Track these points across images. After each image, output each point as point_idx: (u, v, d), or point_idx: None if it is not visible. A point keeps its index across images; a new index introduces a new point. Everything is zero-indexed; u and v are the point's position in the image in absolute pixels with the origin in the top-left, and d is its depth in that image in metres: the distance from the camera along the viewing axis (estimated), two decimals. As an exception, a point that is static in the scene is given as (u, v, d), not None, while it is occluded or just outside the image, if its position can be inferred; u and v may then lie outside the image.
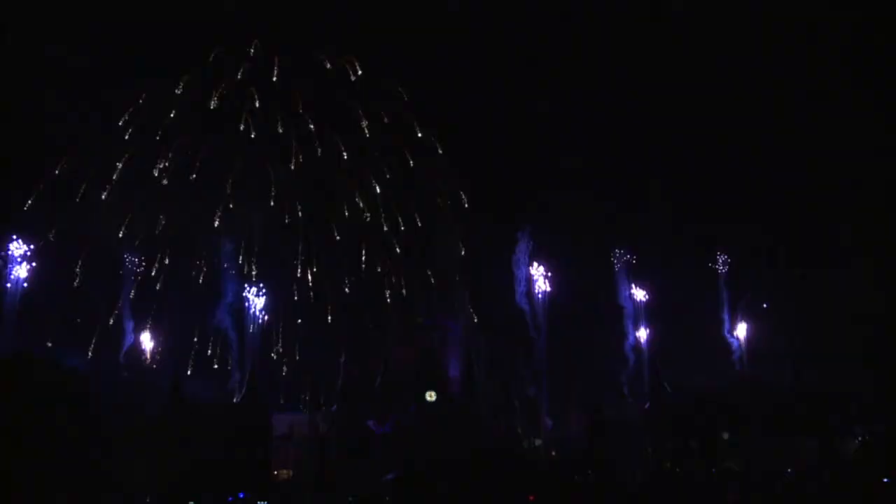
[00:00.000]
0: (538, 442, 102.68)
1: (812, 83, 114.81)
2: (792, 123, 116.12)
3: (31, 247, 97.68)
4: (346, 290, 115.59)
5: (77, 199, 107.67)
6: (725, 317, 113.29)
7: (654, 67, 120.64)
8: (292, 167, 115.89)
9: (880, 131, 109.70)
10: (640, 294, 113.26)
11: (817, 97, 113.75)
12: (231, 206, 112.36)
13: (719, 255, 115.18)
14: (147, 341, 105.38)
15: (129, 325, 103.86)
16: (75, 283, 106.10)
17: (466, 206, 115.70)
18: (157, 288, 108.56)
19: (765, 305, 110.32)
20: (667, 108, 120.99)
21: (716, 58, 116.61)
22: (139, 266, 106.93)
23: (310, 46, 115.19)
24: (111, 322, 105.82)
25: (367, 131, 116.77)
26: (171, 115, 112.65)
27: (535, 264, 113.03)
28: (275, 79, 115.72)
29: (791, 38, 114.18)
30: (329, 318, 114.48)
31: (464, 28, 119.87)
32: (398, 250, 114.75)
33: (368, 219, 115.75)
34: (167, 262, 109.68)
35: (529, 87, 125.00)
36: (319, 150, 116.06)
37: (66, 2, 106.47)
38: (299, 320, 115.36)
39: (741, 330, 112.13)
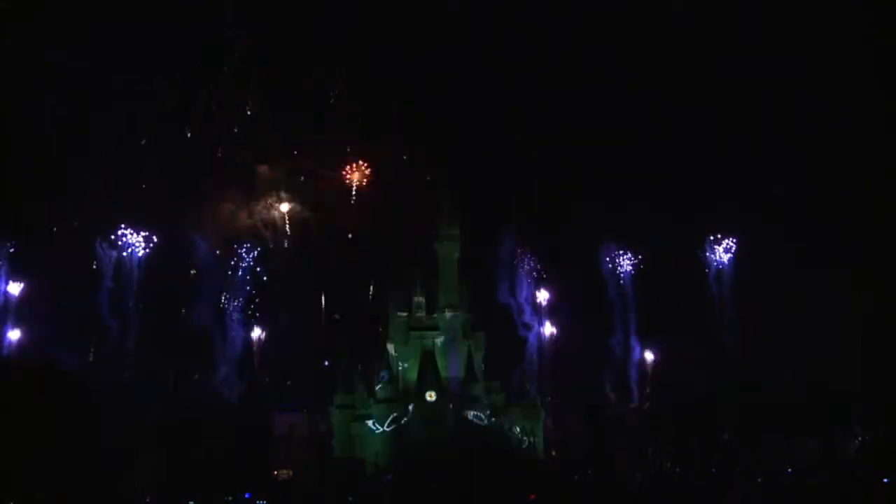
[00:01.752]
0: (539, 442, 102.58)
1: (811, 82, 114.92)
2: (791, 121, 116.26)
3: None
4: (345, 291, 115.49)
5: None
6: (724, 315, 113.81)
7: (653, 64, 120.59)
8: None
9: (880, 129, 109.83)
10: (636, 293, 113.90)
11: (817, 94, 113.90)
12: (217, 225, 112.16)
13: (716, 252, 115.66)
14: (145, 341, 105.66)
15: (129, 324, 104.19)
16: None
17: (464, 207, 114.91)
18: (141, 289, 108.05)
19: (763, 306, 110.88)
20: (666, 104, 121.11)
21: (715, 53, 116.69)
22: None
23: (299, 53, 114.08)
24: (109, 322, 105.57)
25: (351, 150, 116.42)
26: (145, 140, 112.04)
27: (530, 262, 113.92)
28: (249, 111, 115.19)
29: (793, 33, 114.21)
30: (327, 317, 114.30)
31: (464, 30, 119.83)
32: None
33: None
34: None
35: (526, 86, 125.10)
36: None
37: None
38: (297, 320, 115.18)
39: (738, 329, 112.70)
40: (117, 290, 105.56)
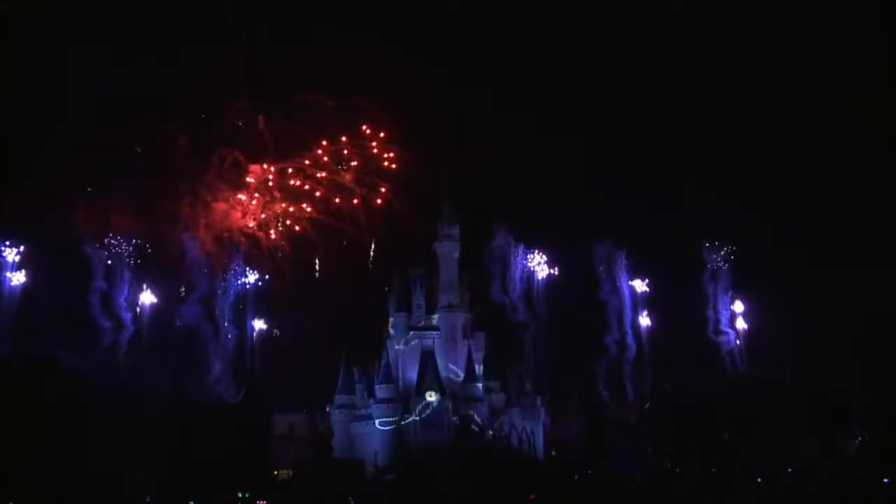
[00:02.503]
0: (539, 442, 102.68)
1: (813, 79, 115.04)
2: (793, 120, 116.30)
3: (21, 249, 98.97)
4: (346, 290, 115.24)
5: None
6: (723, 315, 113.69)
7: (653, 61, 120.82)
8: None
9: (882, 128, 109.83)
10: (638, 288, 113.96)
11: (819, 93, 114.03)
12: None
13: (716, 252, 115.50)
14: (145, 340, 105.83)
15: (128, 323, 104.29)
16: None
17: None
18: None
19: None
20: (666, 100, 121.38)
21: (716, 52, 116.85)
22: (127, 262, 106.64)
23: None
24: (109, 322, 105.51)
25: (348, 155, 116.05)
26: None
27: (530, 259, 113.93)
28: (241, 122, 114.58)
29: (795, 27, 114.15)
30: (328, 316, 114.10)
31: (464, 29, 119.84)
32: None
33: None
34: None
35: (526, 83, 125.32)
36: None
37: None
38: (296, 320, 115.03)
39: (739, 327, 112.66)
40: (111, 291, 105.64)
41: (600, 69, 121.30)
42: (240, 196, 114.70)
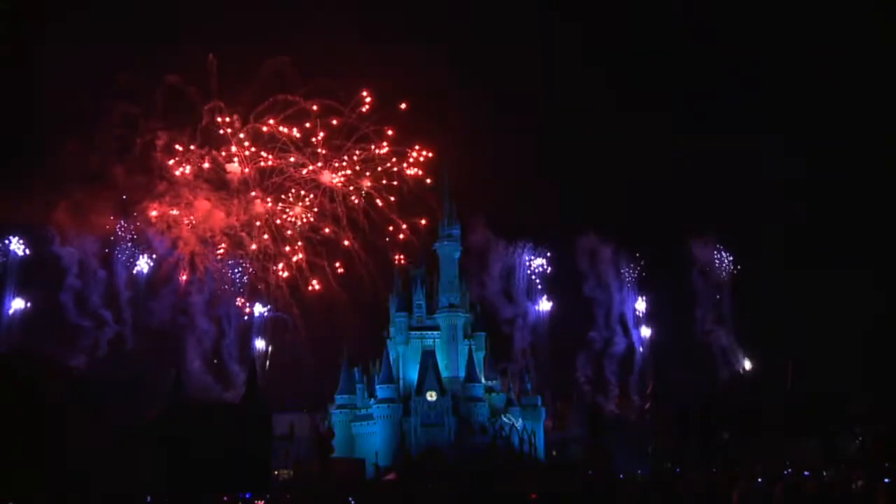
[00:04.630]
0: (539, 442, 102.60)
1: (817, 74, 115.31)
2: (792, 120, 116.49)
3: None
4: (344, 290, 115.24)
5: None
6: (711, 314, 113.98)
7: (653, 60, 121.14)
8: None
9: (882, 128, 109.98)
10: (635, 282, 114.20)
11: (819, 91, 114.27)
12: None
13: (717, 252, 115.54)
14: (144, 341, 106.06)
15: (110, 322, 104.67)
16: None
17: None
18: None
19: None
20: (665, 97, 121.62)
21: (716, 48, 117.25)
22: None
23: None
24: (110, 322, 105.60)
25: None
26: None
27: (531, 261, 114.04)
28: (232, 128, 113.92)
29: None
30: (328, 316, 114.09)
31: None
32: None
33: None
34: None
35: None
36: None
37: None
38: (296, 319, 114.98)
39: (736, 329, 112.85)
40: (85, 289, 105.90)
41: (601, 69, 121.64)
42: (221, 196, 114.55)
